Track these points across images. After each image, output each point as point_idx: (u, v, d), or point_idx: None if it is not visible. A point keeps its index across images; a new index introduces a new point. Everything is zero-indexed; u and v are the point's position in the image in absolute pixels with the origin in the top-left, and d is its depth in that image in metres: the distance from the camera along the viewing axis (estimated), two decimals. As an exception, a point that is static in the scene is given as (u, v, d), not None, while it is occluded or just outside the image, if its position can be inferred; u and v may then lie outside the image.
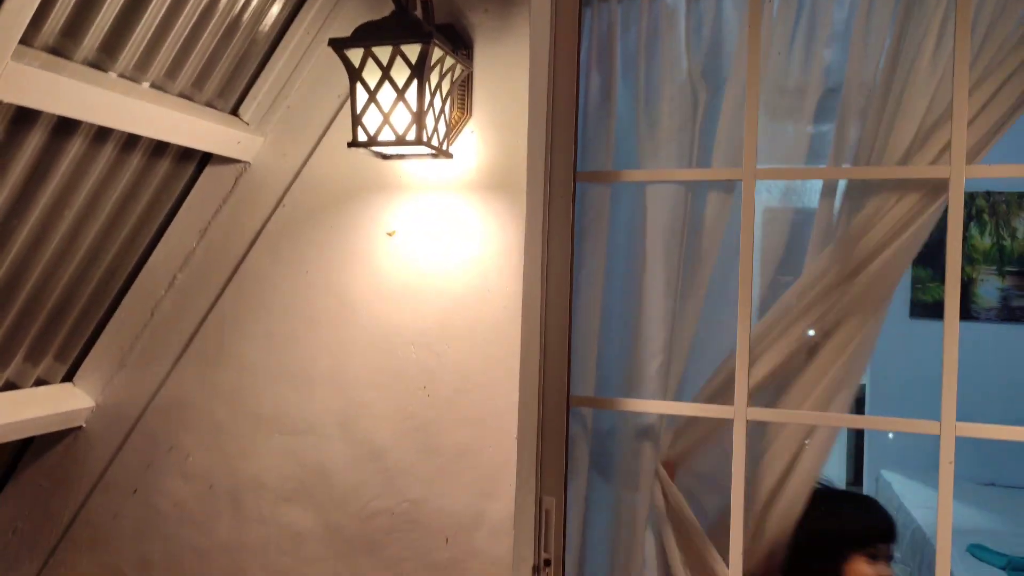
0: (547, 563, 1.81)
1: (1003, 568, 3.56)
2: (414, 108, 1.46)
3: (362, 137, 1.50)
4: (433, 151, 1.56)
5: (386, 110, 1.49)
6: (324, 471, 1.79)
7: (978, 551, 3.68)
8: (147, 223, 1.89)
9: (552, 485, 1.82)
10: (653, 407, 1.90)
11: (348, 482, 1.77)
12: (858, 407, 4.88)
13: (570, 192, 1.77)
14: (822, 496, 1.92)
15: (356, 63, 1.49)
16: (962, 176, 1.61)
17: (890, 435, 5.00)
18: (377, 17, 1.52)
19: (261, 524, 1.84)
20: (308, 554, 1.80)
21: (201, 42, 1.62)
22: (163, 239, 1.91)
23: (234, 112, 1.83)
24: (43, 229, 1.67)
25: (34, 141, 1.49)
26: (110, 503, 1.97)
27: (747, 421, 1.73)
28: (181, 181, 1.88)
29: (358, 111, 1.50)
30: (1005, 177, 1.62)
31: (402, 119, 1.49)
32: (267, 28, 1.77)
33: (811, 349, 1.87)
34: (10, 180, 1.52)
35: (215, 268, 1.88)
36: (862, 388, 4.97)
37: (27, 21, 1.25)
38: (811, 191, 1.88)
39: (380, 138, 1.49)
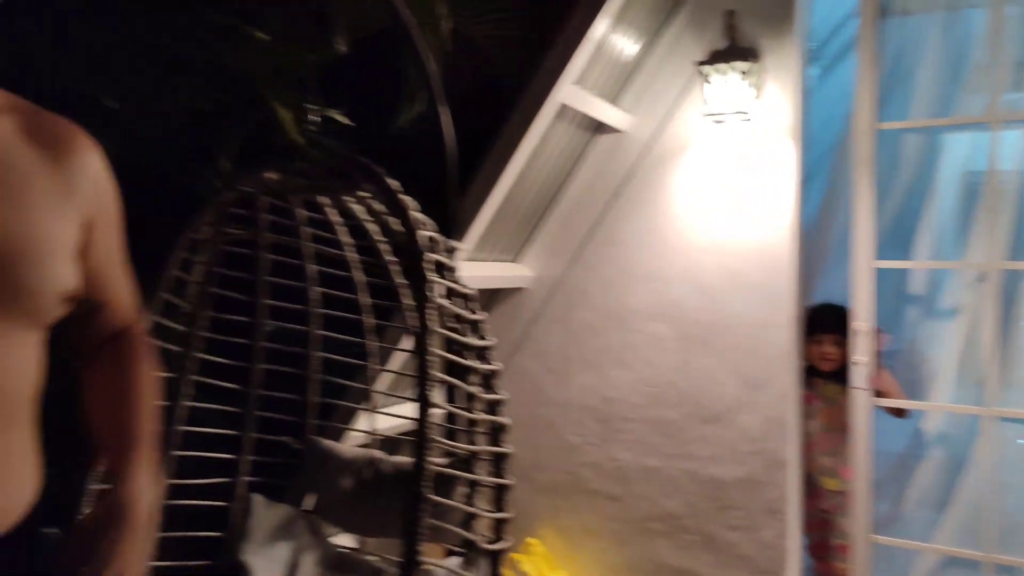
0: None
1: None
2: (741, 93, 2.50)
3: (711, 110, 2.56)
4: (745, 116, 2.59)
5: (722, 94, 2.53)
6: (675, 301, 2.89)
7: None
8: (563, 168, 3.05)
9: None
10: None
11: (690, 305, 2.87)
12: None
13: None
14: None
15: (706, 73, 2.54)
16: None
17: None
18: (702, 44, 2.58)
19: (637, 333, 2.98)
20: (666, 348, 2.92)
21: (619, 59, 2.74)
22: (575, 176, 3.06)
23: (614, 102, 2.93)
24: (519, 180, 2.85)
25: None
26: (543, 328, 3.18)
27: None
28: (584, 145, 3.02)
29: (706, 96, 2.56)
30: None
31: (731, 98, 2.53)
32: (634, 54, 2.85)
33: None
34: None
35: (601, 197, 3.02)
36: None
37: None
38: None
39: (720, 109, 2.54)
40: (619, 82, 2.91)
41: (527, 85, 2.55)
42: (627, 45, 2.84)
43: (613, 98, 2.93)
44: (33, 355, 0.83)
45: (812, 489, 2.76)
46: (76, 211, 0.85)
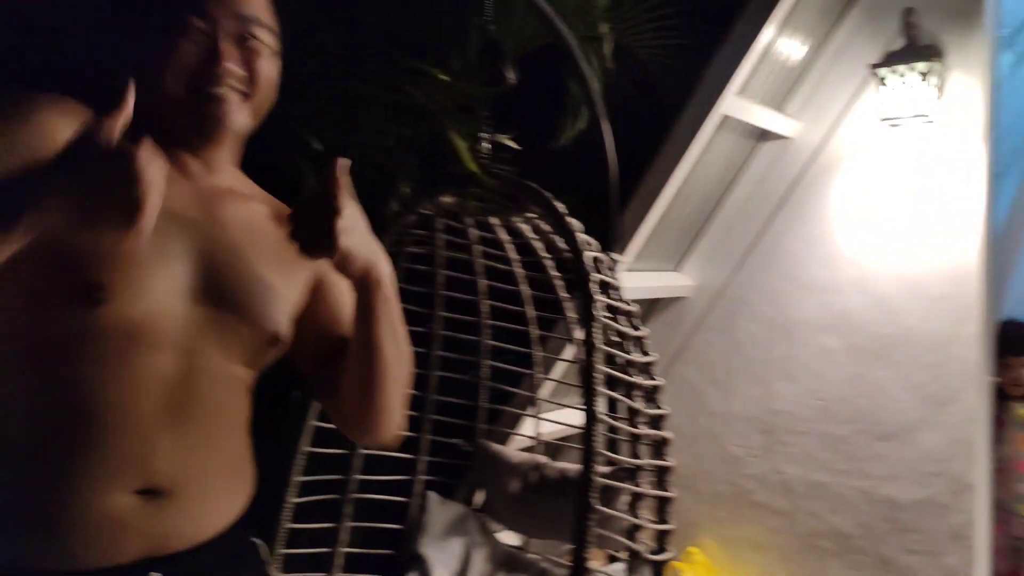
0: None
1: None
2: (921, 94, 2.36)
3: (887, 113, 2.43)
4: (926, 119, 2.44)
5: (899, 97, 2.40)
6: (846, 312, 2.77)
7: None
8: (726, 176, 3.00)
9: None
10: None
11: (863, 317, 2.73)
12: None
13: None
14: None
15: (882, 76, 2.41)
16: None
17: None
18: (876, 44, 2.45)
19: (804, 345, 2.88)
20: (835, 360, 2.80)
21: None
22: (737, 184, 3.00)
23: (779, 109, 2.85)
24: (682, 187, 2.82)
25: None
26: (705, 338, 3.14)
27: None
28: (747, 153, 2.95)
29: (881, 99, 2.43)
30: None
31: (909, 100, 2.38)
32: (802, 58, 2.76)
33: None
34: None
35: (766, 205, 2.94)
36: None
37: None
38: None
39: (897, 113, 2.41)
40: (785, 88, 2.82)
41: (689, 98, 2.54)
42: (794, 49, 2.75)
43: (778, 104, 2.84)
44: (246, 388, 1.00)
45: (1004, 516, 2.57)
46: (304, 275, 1.04)
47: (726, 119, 2.63)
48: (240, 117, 0.96)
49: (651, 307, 3.22)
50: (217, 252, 0.93)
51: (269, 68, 0.97)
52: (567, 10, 2.57)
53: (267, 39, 0.96)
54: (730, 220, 3.04)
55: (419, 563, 2.11)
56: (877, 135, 2.65)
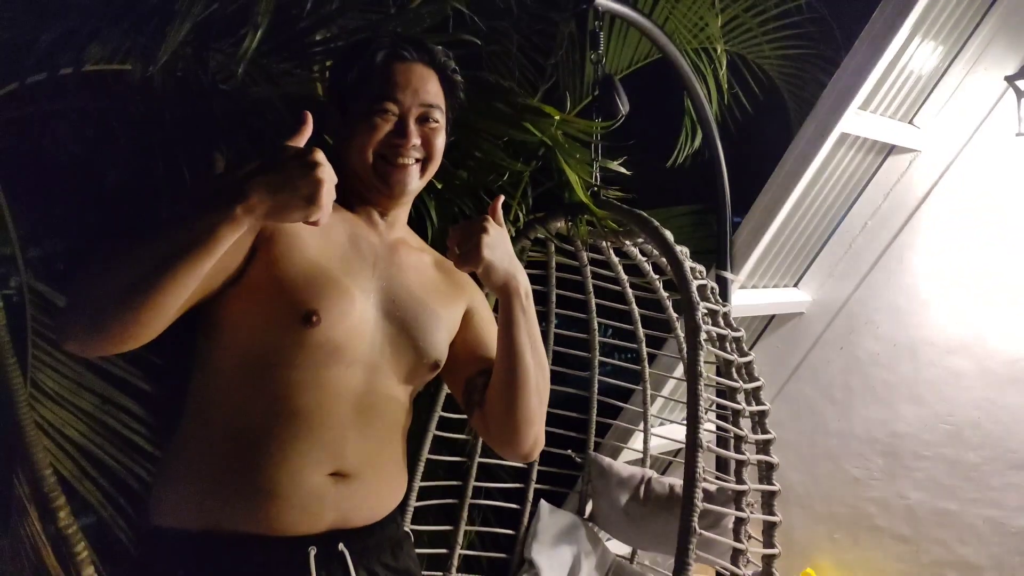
0: None
1: None
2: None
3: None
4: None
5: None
6: (978, 334, 2.63)
7: None
8: (848, 191, 2.91)
9: None
10: None
11: (997, 339, 2.60)
12: None
13: None
14: None
15: (1021, 88, 2.28)
16: None
17: None
18: (1016, 55, 2.31)
19: (930, 367, 2.75)
20: (965, 384, 2.67)
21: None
22: (860, 198, 2.90)
23: (910, 121, 2.74)
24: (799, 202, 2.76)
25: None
26: (823, 356, 3.06)
27: None
28: (872, 168, 2.85)
29: (1019, 114, 2.30)
30: None
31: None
32: (932, 68, 2.64)
33: None
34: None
35: (892, 220, 2.83)
36: None
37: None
38: None
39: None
40: (913, 100, 2.71)
41: (808, 115, 2.49)
42: (924, 60, 2.64)
43: (906, 117, 2.73)
44: (410, 400, 1.20)
45: None
46: (459, 308, 1.25)
47: (845, 135, 2.56)
48: (416, 181, 1.17)
49: (768, 323, 3.17)
50: (396, 290, 1.15)
51: (441, 142, 1.18)
52: (681, 30, 2.60)
53: (441, 119, 1.17)
54: (852, 235, 2.94)
55: (530, 568, 2.21)
56: (1013, 150, 2.50)
